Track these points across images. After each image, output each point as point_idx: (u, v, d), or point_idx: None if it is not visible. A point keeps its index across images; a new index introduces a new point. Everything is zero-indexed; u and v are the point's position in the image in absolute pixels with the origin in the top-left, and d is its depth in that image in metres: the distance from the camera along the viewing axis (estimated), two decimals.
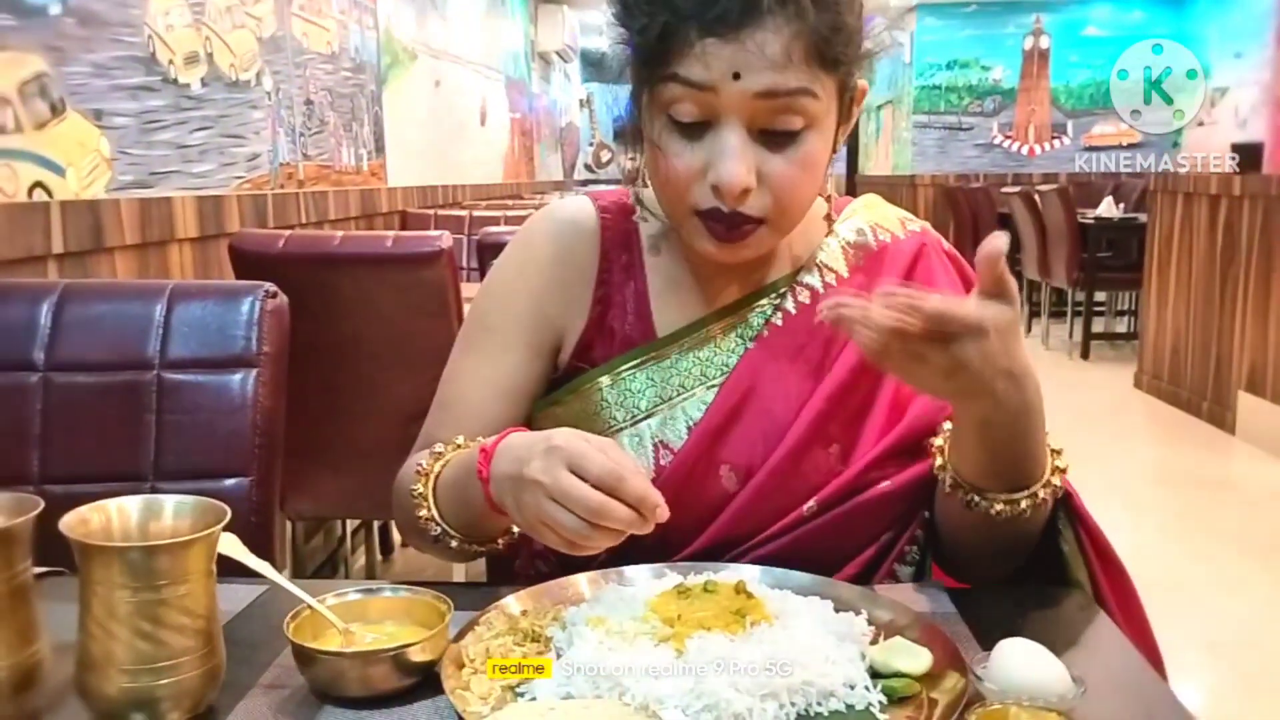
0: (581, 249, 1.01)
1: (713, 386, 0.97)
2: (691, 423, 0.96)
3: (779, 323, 0.98)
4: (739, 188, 0.85)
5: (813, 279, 0.99)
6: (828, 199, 1.04)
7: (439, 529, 0.89)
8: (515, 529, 0.89)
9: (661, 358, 0.98)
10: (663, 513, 0.73)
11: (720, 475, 0.95)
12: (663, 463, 0.96)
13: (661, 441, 0.97)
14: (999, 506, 0.83)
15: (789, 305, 0.98)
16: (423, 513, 0.89)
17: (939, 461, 0.87)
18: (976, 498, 0.84)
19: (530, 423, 1.02)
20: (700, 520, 0.93)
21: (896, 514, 0.95)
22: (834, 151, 0.93)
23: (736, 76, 0.83)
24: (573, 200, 1.05)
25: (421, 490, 0.90)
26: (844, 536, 0.93)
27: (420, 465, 0.91)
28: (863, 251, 1.00)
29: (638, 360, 0.98)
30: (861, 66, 0.91)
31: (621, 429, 0.97)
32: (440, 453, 0.91)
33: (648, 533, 0.73)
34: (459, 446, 0.92)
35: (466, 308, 2.00)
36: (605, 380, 0.98)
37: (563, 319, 1.00)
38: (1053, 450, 0.85)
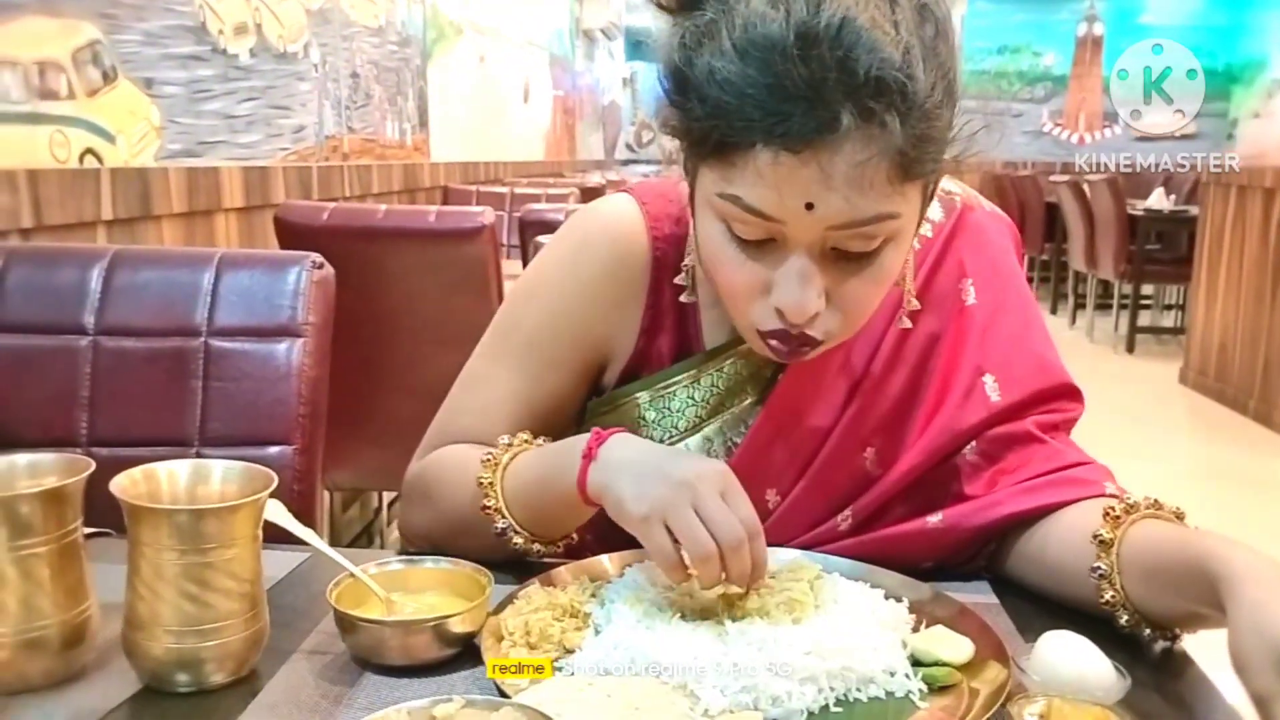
0: (632, 267, 0.93)
1: (755, 404, 0.93)
2: (733, 443, 0.93)
3: None
4: (806, 316, 0.76)
5: None
6: None
7: (505, 522, 0.83)
8: (574, 535, 0.86)
9: (702, 375, 0.93)
10: (761, 584, 0.73)
11: (766, 498, 0.91)
12: None
13: None
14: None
15: None
16: (490, 502, 0.83)
17: (1110, 595, 0.76)
18: (1150, 631, 0.76)
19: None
20: None
21: (946, 551, 0.89)
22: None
23: (809, 207, 0.72)
24: (622, 209, 0.95)
25: (489, 478, 0.84)
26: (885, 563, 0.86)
27: (487, 456, 0.85)
28: None
29: (679, 376, 0.93)
30: (948, 165, 0.79)
31: None
32: (509, 443, 0.86)
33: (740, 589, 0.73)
34: (527, 442, 0.87)
35: (507, 285, 2.01)
36: (644, 396, 0.93)
37: (611, 341, 0.95)
38: None
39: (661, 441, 0.93)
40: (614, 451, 0.77)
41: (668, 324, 0.94)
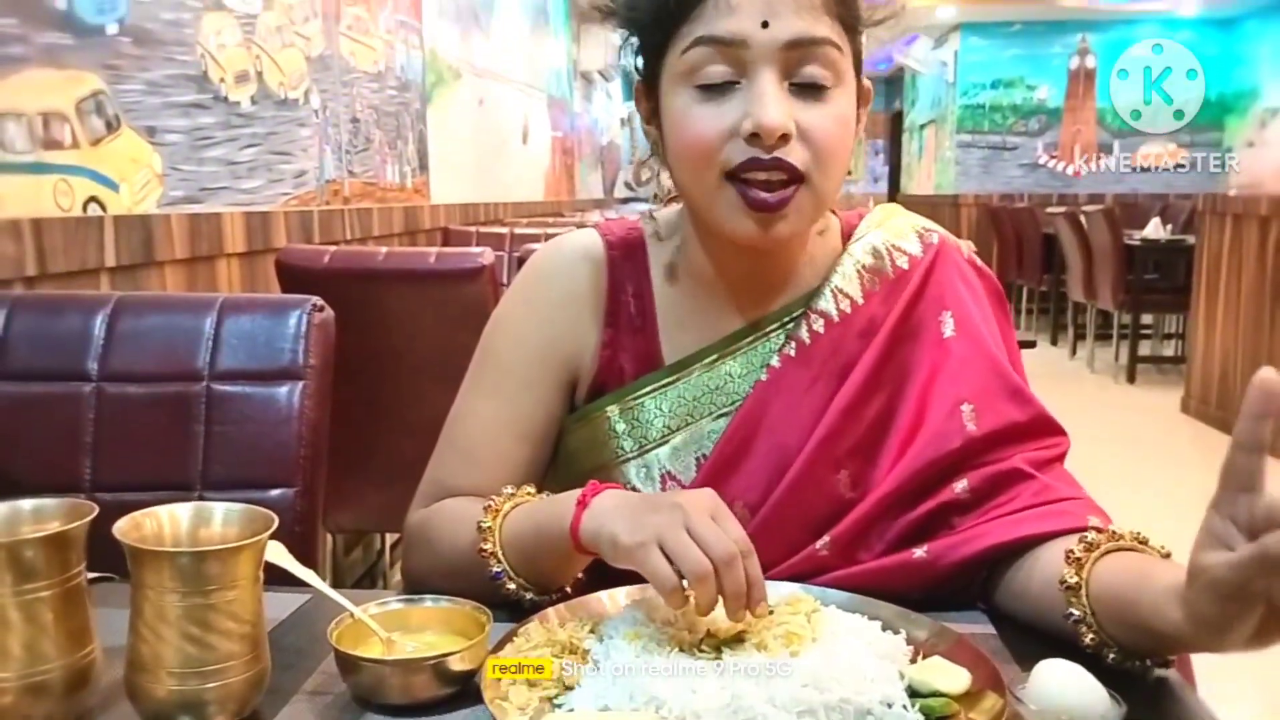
0: (589, 284, 0.99)
1: (723, 416, 0.95)
2: (701, 455, 0.95)
3: (792, 353, 0.95)
4: (779, 129, 0.83)
5: (827, 305, 0.96)
6: (845, 223, 1.01)
7: (500, 567, 0.84)
8: (568, 589, 0.86)
9: (670, 385, 0.96)
10: (762, 610, 0.73)
11: (735, 512, 0.89)
12: None
13: (669, 473, 0.95)
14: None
15: (803, 334, 0.95)
16: (487, 546, 0.85)
17: (1090, 638, 0.75)
18: (1130, 663, 0.75)
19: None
20: None
21: (931, 583, 0.89)
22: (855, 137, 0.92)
23: (765, 25, 0.83)
24: (579, 234, 1.03)
25: (489, 524, 0.86)
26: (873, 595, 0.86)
27: (489, 503, 0.87)
28: (878, 276, 0.97)
29: (645, 389, 0.96)
30: (862, 41, 0.90)
31: (630, 459, 0.96)
32: (512, 493, 0.88)
33: (736, 620, 0.73)
34: (530, 494, 0.89)
35: None
36: (614, 409, 0.96)
37: (575, 356, 0.98)
38: None
39: (631, 452, 0.96)
40: (607, 500, 0.79)
41: (627, 339, 0.98)
